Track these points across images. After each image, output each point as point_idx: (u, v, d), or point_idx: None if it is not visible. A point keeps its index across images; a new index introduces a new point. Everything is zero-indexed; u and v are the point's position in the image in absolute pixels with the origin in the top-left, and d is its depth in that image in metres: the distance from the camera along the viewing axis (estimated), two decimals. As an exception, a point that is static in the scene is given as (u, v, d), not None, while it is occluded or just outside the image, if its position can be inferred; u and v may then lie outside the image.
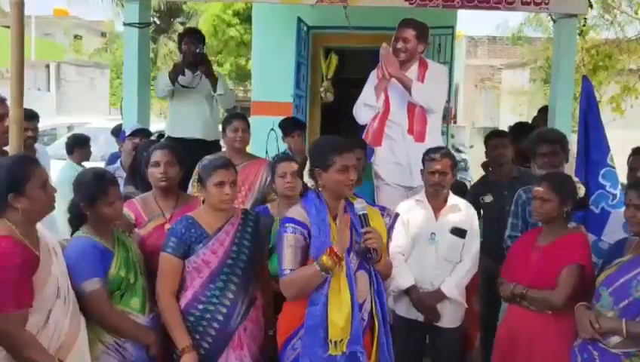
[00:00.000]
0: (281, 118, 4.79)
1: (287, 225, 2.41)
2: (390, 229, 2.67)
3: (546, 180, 2.83)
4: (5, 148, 2.72)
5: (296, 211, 2.45)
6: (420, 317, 3.11)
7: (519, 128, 4.93)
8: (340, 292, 2.33)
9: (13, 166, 2.15)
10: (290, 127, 4.63)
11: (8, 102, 2.77)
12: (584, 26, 6.49)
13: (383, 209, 2.71)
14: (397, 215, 2.81)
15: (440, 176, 3.10)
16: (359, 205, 2.43)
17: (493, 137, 3.93)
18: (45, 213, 2.24)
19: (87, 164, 5.01)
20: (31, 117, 3.85)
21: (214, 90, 4.53)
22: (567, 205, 2.78)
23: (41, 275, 2.10)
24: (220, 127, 3.92)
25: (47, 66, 17.96)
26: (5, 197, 2.09)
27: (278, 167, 3.08)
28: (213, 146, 4.52)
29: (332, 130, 5.03)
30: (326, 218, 2.40)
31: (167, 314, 2.51)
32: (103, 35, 26.58)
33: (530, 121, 5.28)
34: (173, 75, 4.47)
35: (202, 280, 2.52)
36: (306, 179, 2.52)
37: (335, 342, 2.31)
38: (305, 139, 4.79)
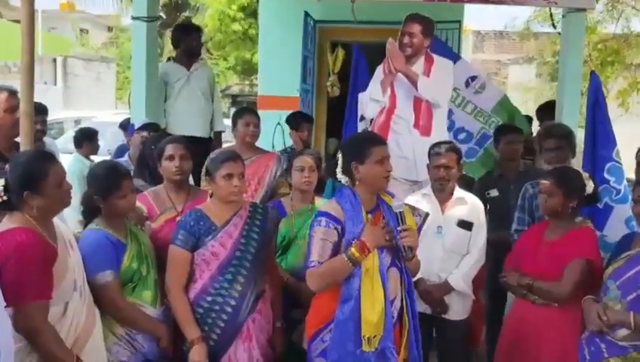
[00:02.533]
0: (288, 112, 4.81)
1: (320, 218, 2.43)
2: (419, 229, 2.68)
3: (552, 175, 2.85)
4: (16, 139, 2.75)
5: (331, 206, 2.47)
6: (428, 310, 3.12)
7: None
8: (372, 288, 2.35)
9: (29, 163, 2.16)
10: (297, 121, 4.65)
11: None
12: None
13: (413, 209, 2.73)
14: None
15: (446, 170, 3.12)
16: (398, 203, 2.46)
17: (508, 132, 3.89)
18: (61, 209, 2.27)
19: (94, 158, 5.05)
20: (40, 111, 3.89)
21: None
22: (573, 200, 2.78)
23: (60, 268, 2.12)
24: (228, 121, 3.97)
25: (54, 60, 18.00)
26: (21, 194, 2.11)
27: (297, 160, 3.09)
28: (208, 144, 4.59)
29: (338, 125, 5.04)
30: (361, 213, 2.42)
31: (177, 306, 2.53)
32: (110, 29, 26.60)
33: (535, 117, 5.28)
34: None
35: (211, 273, 2.55)
36: (340, 176, 2.52)
37: (368, 338, 2.32)
38: (311, 134, 4.81)
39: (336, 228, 2.40)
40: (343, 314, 2.34)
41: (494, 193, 3.76)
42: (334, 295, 2.38)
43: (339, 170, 2.52)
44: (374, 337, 2.33)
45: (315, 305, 2.50)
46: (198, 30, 4.93)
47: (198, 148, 3.70)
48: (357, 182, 2.46)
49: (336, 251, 2.39)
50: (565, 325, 2.72)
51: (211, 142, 4.79)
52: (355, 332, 2.33)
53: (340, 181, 2.53)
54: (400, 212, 2.43)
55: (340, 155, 2.53)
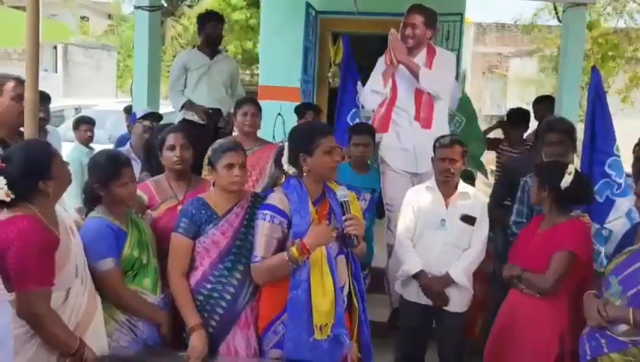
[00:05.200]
0: (288, 102, 4.84)
1: (265, 212, 2.46)
2: (367, 211, 2.71)
3: (535, 167, 2.94)
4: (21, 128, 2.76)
5: (277, 198, 2.49)
6: (430, 302, 3.15)
7: (516, 114, 5.01)
8: (322, 277, 2.39)
9: (32, 154, 2.18)
10: (302, 109, 4.70)
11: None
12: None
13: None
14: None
15: (450, 163, 3.12)
16: (341, 192, 2.48)
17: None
18: (66, 189, 2.30)
19: (95, 147, 5.06)
20: (42, 98, 3.88)
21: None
22: (543, 190, 2.84)
23: (61, 254, 2.15)
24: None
25: (55, 48, 17.93)
26: (32, 185, 2.12)
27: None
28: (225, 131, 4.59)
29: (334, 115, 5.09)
30: (307, 205, 2.45)
31: (178, 293, 2.56)
32: (110, 16, 26.47)
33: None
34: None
35: (211, 260, 2.56)
36: (286, 166, 2.55)
37: (320, 327, 2.37)
38: None
39: (281, 223, 2.44)
40: (295, 305, 2.38)
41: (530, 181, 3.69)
42: (285, 286, 2.41)
43: (285, 160, 2.54)
44: (326, 325, 2.38)
45: (265, 297, 2.52)
46: (218, 18, 4.85)
47: (215, 136, 3.69)
48: (305, 174, 2.49)
49: (282, 245, 2.44)
50: (549, 316, 2.76)
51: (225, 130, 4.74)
52: (308, 321, 2.37)
53: None
54: (345, 201, 2.45)
55: (286, 146, 2.55)
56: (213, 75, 4.66)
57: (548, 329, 2.75)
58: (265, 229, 2.44)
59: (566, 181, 2.80)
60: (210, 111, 4.57)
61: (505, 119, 5.44)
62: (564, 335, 2.73)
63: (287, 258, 2.38)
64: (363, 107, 4.11)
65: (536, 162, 3.24)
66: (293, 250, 2.37)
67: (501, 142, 5.32)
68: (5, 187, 2.08)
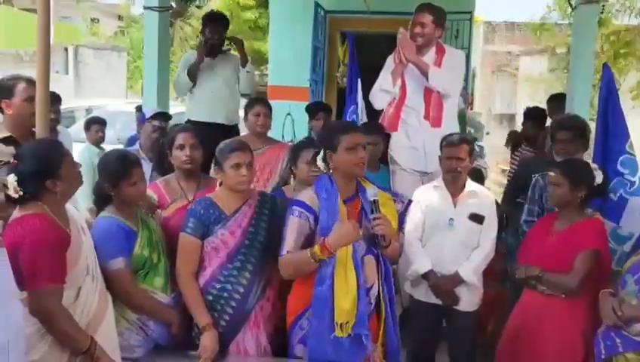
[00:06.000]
0: (297, 102, 4.84)
1: (295, 208, 2.48)
2: (402, 215, 2.68)
3: (559, 166, 2.87)
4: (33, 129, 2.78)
5: (307, 195, 2.50)
6: (439, 301, 3.14)
7: (531, 113, 4.97)
8: (345, 276, 2.38)
9: (43, 153, 2.20)
10: (313, 109, 4.70)
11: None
12: (602, 12, 6.43)
13: (396, 195, 2.72)
14: (410, 201, 2.81)
15: (457, 161, 3.11)
16: (371, 191, 2.46)
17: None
18: (76, 190, 2.31)
19: (106, 147, 5.09)
20: (53, 99, 3.92)
21: (243, 65, 4.53)
22: (580, 191, 2.79)
23: (73, 253, 2.16)
24: (242, 112, 3.97)
25: (66, 49, 18.07)
26: (40, 184, 2.14)
27: (305, 153, 3.04)
28: (232, 131, 4.57)
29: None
30: (336, 202, 2.44)
31: (188, 293, 2.56)
32: (120, 18, 26.63)
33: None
34: (195, 68, 4.46)
35: (220, 260, 2.57)
36: (320, 163, 2.55)
37: (341, 324, 2.36)
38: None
39: (308, 219, 2.45)
40: (319, 301, 2.38)
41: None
42: (311, 282, 2.42)
43: (320, 158, 2.55)
44: (347, 323, 2.36)
45: (293, 292, 2.53)
46: (218, 21, 4.70)
47: (223, 135, 3.63)
48: (332, 171, 2.49)
49: (310, 240, 2.43)
50: (571, 316, 2.74)
51: (237, 128, 4.68)
52: (330, 318, 2.37)
53: None
54: (374, 200, 2.44)
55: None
56: (216, 74, 4.57)
57: (571, 329, 2.72)
58: (293, 224, 2.45)
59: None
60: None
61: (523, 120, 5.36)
62: (587, 334, 2.70)
63: (309, 255, 2.37)
64: (368, 105, 4.09)
65: (549, 160, 3.23)
66: (316, 248, 2.36)
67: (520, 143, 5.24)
68: (15, 183, 2.11)
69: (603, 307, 2.51)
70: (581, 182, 2.79)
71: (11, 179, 2.11)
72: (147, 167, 3.37)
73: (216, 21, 4.67)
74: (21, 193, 2.11)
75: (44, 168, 2.15)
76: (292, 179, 3.33)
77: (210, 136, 3.46)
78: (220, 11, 5.27)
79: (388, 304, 2.50)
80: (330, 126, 2.65)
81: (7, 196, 2.14)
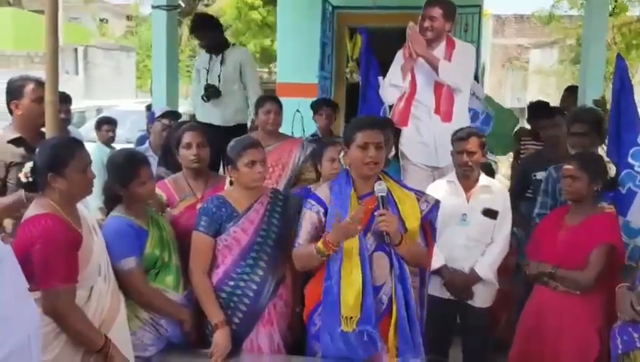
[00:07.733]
0: (306, 99, 4.83)
1: (308, 201, 2.49)
2: (428, 215, 2.56)
3: (575, 159, 2.83)
4: (42, 129, 2.80)
5: (322, 188, 2.52)
6: (452, 296, 3.12)
7: (536, 107, 4.92)
8: (351, 271, 2.37)
9: (57, 146, 2.24)
10: (318, 105, 4.69)
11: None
12: (616, 1, 6.35)
13: (420, 194, 2.61)
14: (437, 203, 2.62)
15: (468, 155, 3.08)
16: (378, 186, 2.43)
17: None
18: (83, 196, 2.32)
19: (116, 146, 5.11)
20: (63, 99, 3.94)
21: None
22: (597, 184, 2.76)
23: (84, 252, 2.17)
24: (252, 110, 3.96)
25: (75, 50, 18.21)
26: (44, 176, 2.17)
27: (328, 150, 2.99)
28: (238, 130, 4.56)
29: (356, 112, 5.04)
30: (347, 197, 2.42)
31: (200, 291, 2.56)
32: (129, 18, 26.77)
33: (559, 101, 5.21)
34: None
35: (233, 258, 2.57)
36: (341, 158, 2.56)
37: (346, 318, 2.35)
38: (334, 119, 4.81)
39: (318, 212, 2.45)
40: (328, 296, 2.38)
41: (541, 175, 3.65)
42: (323, 277, 2.42)
43: (342, 152, 2.55)
44: (351, 318, 2.35)
45: (308, 288, 2.54)
46: (206, 26, 4.55)
47: (220, 136, 3.60)
48: (348, 166, 2.48)
49: (320, 234, 2.43)
50: (586, 312, 2.71)
51: (244, 128, 4.62)
52: (339, 313, 2.36)
53: None
54: (381, 196, 2.40)
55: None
56: (216, 74, 4.52)
57: (586, 326, 2.69)
58: (307, 217, 2.47)
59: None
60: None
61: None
62: (602, 330, 2.68)
63: (314, 249, 2.38)
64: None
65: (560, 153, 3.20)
66: (320, 243, 2.36)
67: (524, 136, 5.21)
68: (29, 169, 2.20)
69: (620, 302, 2.48)
70: (598, 176, 2.77)
71: (27, 165, 2.21)
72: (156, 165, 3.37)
73: (197, 30, 4.56)
74: (30, 179, 2.19)
75: (50, 161, 2.19)
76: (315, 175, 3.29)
77: (219, 136, 3.45)
78: (202, 15, 5.17)
79: (402, 305, 2.41)
80: (352, 122, 2.61)
81: (18, 180, 2.26)
